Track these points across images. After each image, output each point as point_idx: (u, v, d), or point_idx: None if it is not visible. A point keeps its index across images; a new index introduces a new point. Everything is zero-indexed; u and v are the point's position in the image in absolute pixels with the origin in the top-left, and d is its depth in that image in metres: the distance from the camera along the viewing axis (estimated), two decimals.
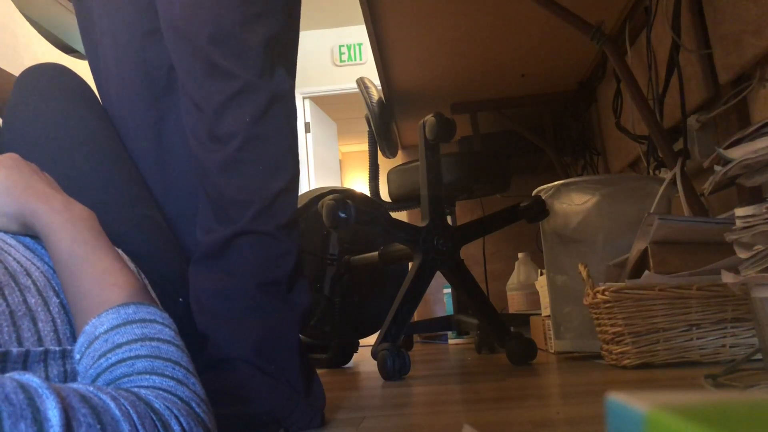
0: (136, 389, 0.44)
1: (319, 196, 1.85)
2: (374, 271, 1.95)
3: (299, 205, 1.86)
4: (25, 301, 0.51)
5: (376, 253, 1.77)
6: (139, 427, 0.39)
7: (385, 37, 1.88)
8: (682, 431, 0.17)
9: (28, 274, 0.53)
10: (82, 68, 0.93)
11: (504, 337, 1.48)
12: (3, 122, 0.81)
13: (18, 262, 0.54)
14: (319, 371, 0.87)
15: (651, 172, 1.75)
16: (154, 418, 0.41)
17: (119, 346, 0.47)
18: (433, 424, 0.82)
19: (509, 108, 2.48)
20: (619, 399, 0.21)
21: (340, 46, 4.89)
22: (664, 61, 1.59)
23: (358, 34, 4.79)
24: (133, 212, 0.79)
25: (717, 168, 0.96)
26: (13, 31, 1.68)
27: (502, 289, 2.38)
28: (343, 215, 1.37)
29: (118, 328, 0.48)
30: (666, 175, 1.46)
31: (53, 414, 0.32)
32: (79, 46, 2.30)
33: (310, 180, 4.70)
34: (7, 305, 0.49)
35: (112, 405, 0.38)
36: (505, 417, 0.82)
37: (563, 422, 0.76)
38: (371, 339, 1.74)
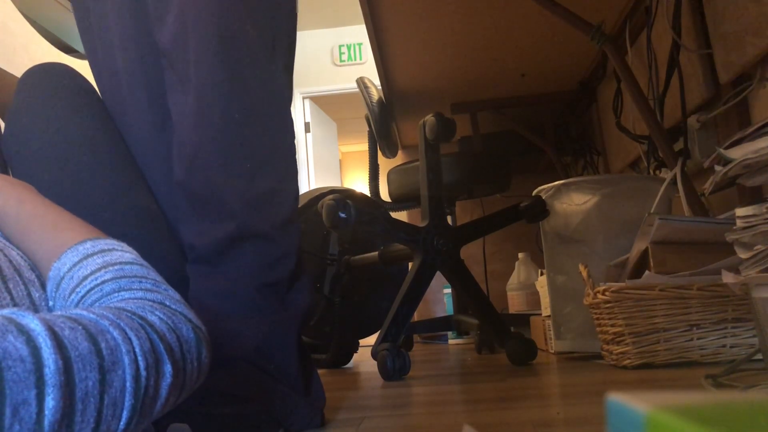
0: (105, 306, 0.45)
1: (319, 196, 1.85)
2: (374, 271, 1.95)
3: (299, 205, 1.86)
4: (29, 294, 0.51)
5: (376, 253, 1.77)
6: (118, 320, 0.40)
7: (385, 37, 1.87)
8: (682, 431, 0.17)
9: (32, 269, 0.54)
10: (82, 68, 0.93)
11: (504, 337, 1.47)
12: (6, 125, 0.81)
13: (22, 257, 0.54)
14: (319, 371, 0.87)
15: (651, 172, 1.75)
16: (129, 315, 0.42)
17: (85, 278, 0.48)
18: (433, 424, 0.82)
19: (509, 108, 2.48)
20: (619, 399, 0.21)
21: (340, 46, 4.89)
22: (664, 60, 1.59)
23: (358, 34, 4.80)
24: (135, 215, 0.79)
25: (717, 168, 0.96)
26: (12, 31, 1.68)
27: (502, 289, 2.38)
28: (343, 215, 1.37)
29: (79, 263, 0.50)
30: (666, 175, 1.46)
31: (35, 324, 0.35)
32: (80, 46, 2.30)
33: (310, 180, 4.70)
34: (12, 298, 0.49)
35: (84, 313, 0.39)
36: (505, 417, 0.82)
37: (563, 422, 0.76)
38: (371, 339, 1.74)
